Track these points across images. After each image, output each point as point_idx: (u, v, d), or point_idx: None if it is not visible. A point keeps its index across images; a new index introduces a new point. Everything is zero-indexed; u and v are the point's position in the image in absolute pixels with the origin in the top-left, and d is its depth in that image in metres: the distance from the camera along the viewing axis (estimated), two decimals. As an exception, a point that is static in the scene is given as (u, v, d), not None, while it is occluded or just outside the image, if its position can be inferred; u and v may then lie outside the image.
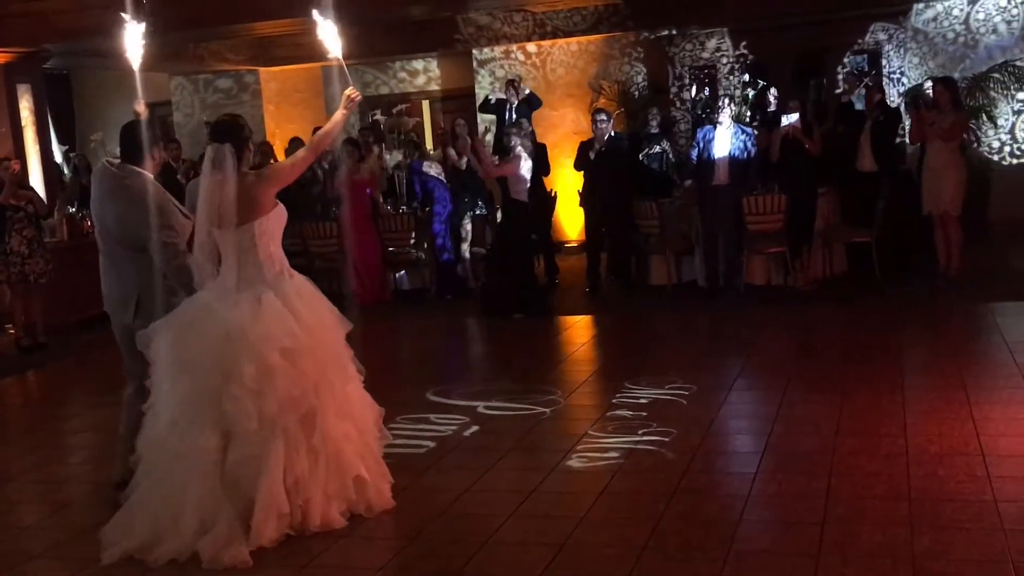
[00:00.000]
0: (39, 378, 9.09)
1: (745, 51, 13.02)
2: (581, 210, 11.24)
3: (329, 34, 5.13)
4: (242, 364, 4.51)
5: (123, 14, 5.76)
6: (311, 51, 14.55)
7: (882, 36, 12.90)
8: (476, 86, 14.37)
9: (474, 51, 14.33)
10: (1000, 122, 12.24)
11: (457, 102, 14.91)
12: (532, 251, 10.16)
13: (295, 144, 12.52)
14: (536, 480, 5.12)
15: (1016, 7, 12.26)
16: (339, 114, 5.13)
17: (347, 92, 5.08)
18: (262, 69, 15.18)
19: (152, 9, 10.67)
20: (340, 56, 5.10)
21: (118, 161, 5.22)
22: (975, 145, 11.89)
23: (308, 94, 15.36)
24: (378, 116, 14.57)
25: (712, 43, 13.41)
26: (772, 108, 10.80)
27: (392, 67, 15.45)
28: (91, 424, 7.09)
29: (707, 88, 13.19)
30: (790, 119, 9.56)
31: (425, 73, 15.42)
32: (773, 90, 11.12)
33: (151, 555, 4.47)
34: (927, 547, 4.00)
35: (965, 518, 4.26)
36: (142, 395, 4.85)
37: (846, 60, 13.11)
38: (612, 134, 10.54)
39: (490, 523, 4.63)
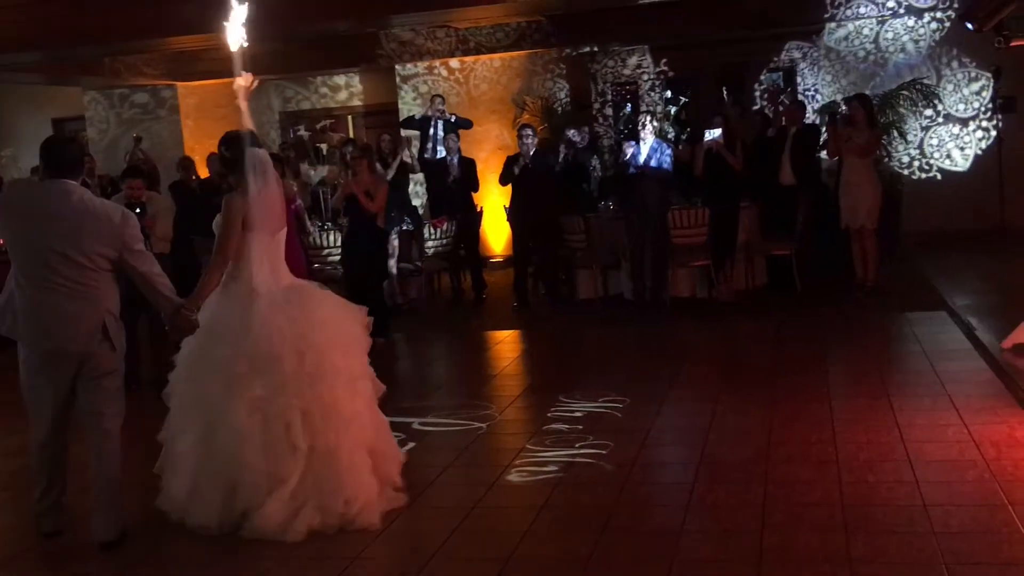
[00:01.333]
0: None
1: (665, 68, 13.27)
2: (507, 225, 11.30)
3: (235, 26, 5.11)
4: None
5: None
6: (230, 66, 14.45)
7: (797, 54, 13.28)
8: (399, 101, 14.36)
9: (397, 67, 14.33)
10: (909, 138, 12.67)
11: (380, 118, 14.87)
12: (380, 273, 9.74)
13: (214, 159, 12.36)
14: (477, 495, 5.13)
15: (923, 27, 12.73)
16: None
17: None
18: (180, 84, 14.93)
19: (64, 23, 10.53)
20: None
21: (47, 179, 4.80)
22: (886, 160, 12.29)
23: (229, 109, 15.05)
24: (301, 131, 14.45)
25: (633, 60, 13.64)
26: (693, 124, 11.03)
27: (314, 82, 15.34)
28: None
29: (629, 104, 13.39)
30: (713, 135, 9.75)
31: (347, 88, 15.35)
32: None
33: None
34: (862, 551, 4.12)
35: (897, 522, 4.39)
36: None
37: (763, 77, 13.46)
38: (535, 150, 10.63)
39: (433, 540, 4.61)
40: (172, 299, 4.84)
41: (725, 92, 13.25)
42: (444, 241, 11.08)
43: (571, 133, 11.55)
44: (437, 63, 14.22)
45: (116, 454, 4.85)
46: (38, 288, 4.65)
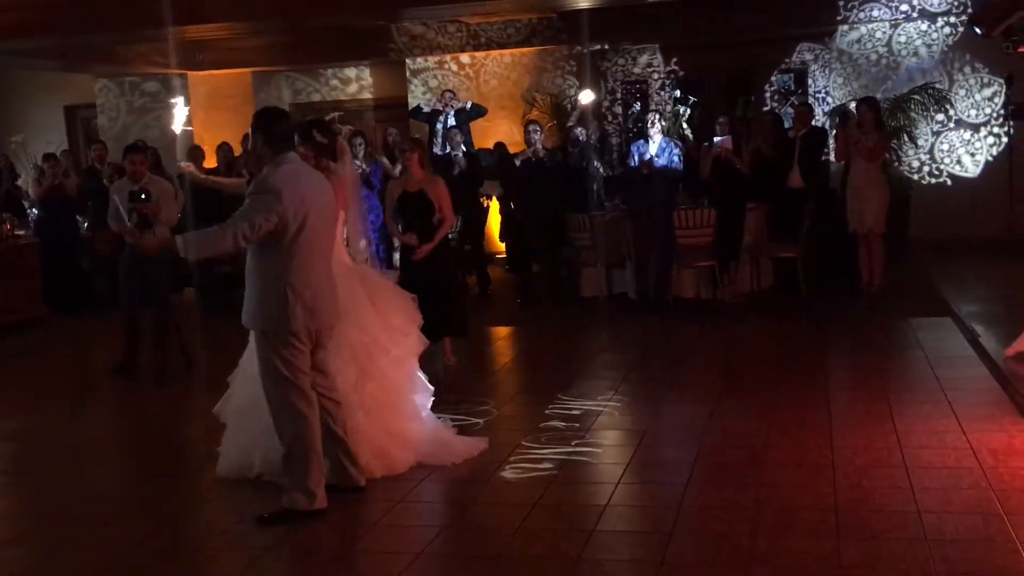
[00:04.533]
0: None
1: (676, 67, 13.23)
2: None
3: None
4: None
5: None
6: (242, 56, 14.48)
7: (808, 56, 13.22)
8: (409, 95, 14.35)
9: (407, 61, 14.31)
10: (920, 142, 12.61)
11: (389, 111, 14.87)
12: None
13: (224, 150, 12.38)
14: (470, 492, 5.12)
15: (936, 31, 12.66)
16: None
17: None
18: (191, 73, 14.94)
19: (76, 10, 10.56)
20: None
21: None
22: (896, 165, 12.24)
23: (238, 100, 15.15)
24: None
25: (644, 59, 13.60)
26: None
27: (324, 75, 15.35)
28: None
29: (639, 103, 13.35)
30: (721, 140, 9.74)
31: (358, 81, 15.35)
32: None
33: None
34: (854, 557, 4.09)
35: (890, 528, 4.36)
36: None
37: (773, 79, 13.40)
38: (542, 146, 10.62)
39: (424, 535, 4.61)
40: None
41: (736, 96, 13.21)
42: (449, 236, 11.04)
43: (579, 131, 11.52)
44: (447, 58, 14.21)
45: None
46: (325, 263, 4.92)
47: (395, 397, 5.51)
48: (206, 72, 14.86)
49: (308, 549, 4.59)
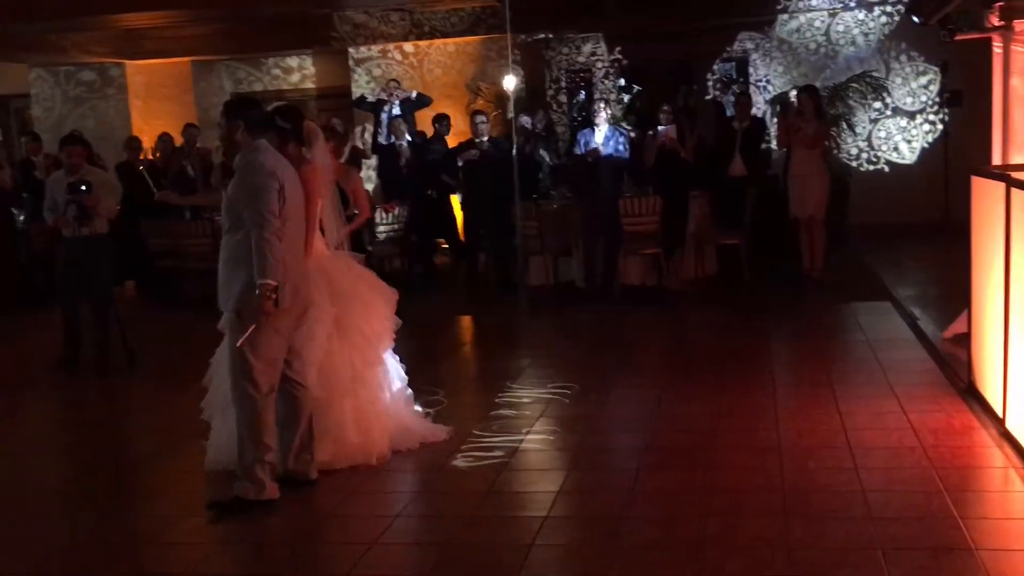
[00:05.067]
0: None
1: (620, 56, 13.29)
2: (460, 211, 11.28)
3: None
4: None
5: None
6: (181, 45, 14.25)
7: (749, 45, 13.37)
8: (352, 85, 14.24)
9: (350, 49, 14.20)
10: (858, 130, 12.83)
11: (332, 101, 14.75)
12: None
13: (163, 140, 12.19)
14: (422, 480, 5.12)
15: (872, 20, 12.88)
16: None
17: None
18: (128, 62, 14.67)
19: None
20: None
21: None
22: (835, 152, 12.43)
23: (177, 89, 14.92)
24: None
25: (588, 47, 13.63)
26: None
27: (266, 63, 15.18)
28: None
29: (583, 92, 13.40)
30: (665, 129, 9.82)
31: (300, 70, 15.21)
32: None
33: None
34: (801, 536, 4.17)
35: (836, 508, 4.46)
36: None
37: (715, 67, 13.53)
38: (488, 136, 10.61)
39: (377, 524, 4.60)
40: None
41: (679, 85, 13.30)
42: (395, 226, 11.02)
43: (524, 120, 11.53)
44: (391, 47, 14.12)
45: None
46: (294, 246, 4.86)
47: (373, 382, 5.51)
48: (144, 61, 14.60)
49: (261, 542, 4.56)
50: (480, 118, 10.60)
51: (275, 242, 4.59)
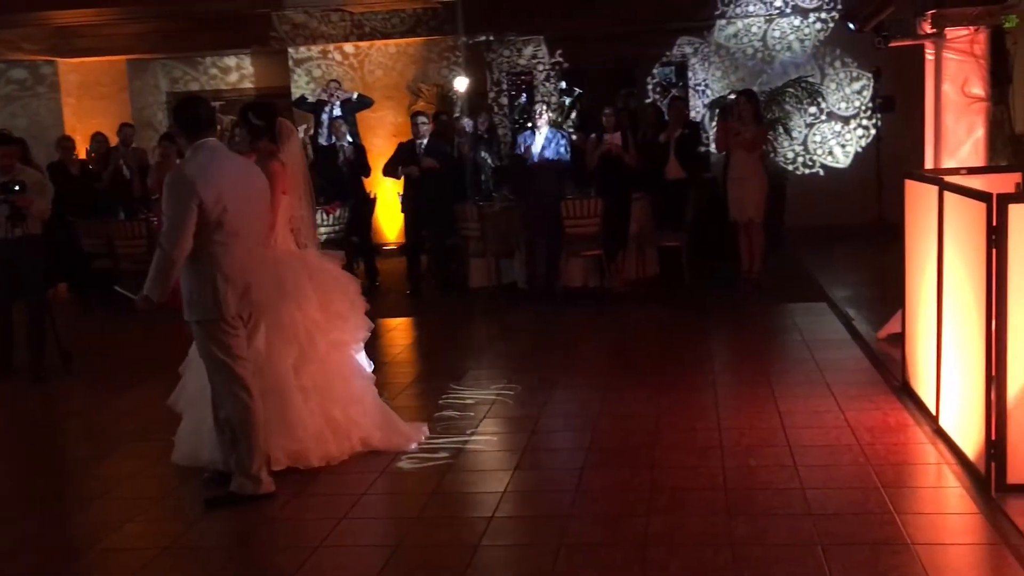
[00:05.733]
0: None
1: (561, 59, 13.36)
2: (401, 212, 11.24)
3: None
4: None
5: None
6: (116, 43, 14.00)
7: (688, 49, 13.52)
8: (292, 85, 14.11)
9: (290, 50, 14.08)
10: (794, 134, 13.05)
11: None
12: None
13: (98, 140, 11.97)
14: (367, 482, 5.10)
15: (808, 27, 13.11)
16: None
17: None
18: (61, 60, 14.37)
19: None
20: None
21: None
22: (772, 155, 12.63)
23: (112, 88, 14.65)
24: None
25: (529, 50, 13.68)
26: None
27: (203, 63, 14.97)
28: None
29: (525, 94, 13.45)
30: (611, 137, 9.89)
31: (238, 70, 15.03)
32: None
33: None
34: (744, 533, 4.24)
35: (776, 505, 4.54)
36: None
37: (655, 71, 13.68)
38: (428, 138, 10.60)
39: (322, 527, 4.57)
40: None
41: (619, 88, 13.42)
42: (336, 227, 10.95)
43: (465, 122, 11.54)
44: (331, 47, 14.02)
45: None
46: (256, 246, 4.90)
47: (335, 381, 5.45)
48: (78, 59, 14.31)
49: (202, 546, 4.51)
50: (421, 119, 10.58)
51: (167, 258, 4.64)
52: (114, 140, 12.00)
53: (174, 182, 4.72)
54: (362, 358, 5.71)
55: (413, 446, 5.53)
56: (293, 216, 5.48)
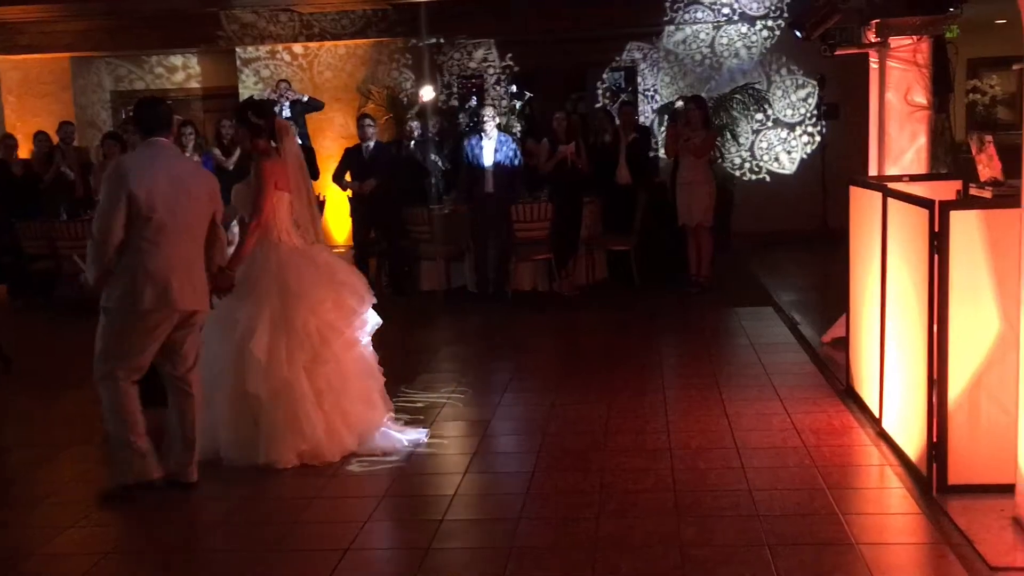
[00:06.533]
0: None
1: (511, 63, 13.39)
2: (350, 215, 11.18)
3: None
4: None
5: None
6: (60, 40, 13.75)
7: (637, 55, 13.63)
8: (240, 85, 13.97)
9: (237, 49, 13.93)
10: (741, 140, 13.21)
11: (219, 101, 14.43)
12: None
13: (40, 139, 11.74)
14: (317, 486, 5.07)
15: (755, 34, 13.29)
16: None
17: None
18: (2, 57, 14.08)
19: None
20: None
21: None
22: (719, 161, 12.78)
23: (55, 86, 14.39)
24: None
25: (479, 53, 13.69)
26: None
27: (148, 62, 14.76)
28: None
29: (475, 97, 13.45)
30: (565, 148, 9.93)
31: (185, 70, 14.84)
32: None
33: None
34: (693, 535, 4.28)
35: (725, 506, 4.59)
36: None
37: (605, 76, 13.76)
38: (376, 141, 10.57)
39: (271, 531, 4.53)
40: (224, 259, 5.20)
41: (570, 92, 13.49)
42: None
43: (415, 124, 11.50)
44: (280, 47, 13.91)
45: None
46: (188, 247, 4.86)
47: (350, 379, 5.48)
48: (19, 56, 14.03)
49: (143, 550, 4.44)
50: (367, 121, 10.53)
51: (95, 243, 4.74)
52: (56, 139, 11.79)
53: (110, 172, 4.84)
54: (371, 357, 5.73)
55: (404, 446, 5.54)
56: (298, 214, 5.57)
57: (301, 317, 5.34)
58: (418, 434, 5.74)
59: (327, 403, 5.38)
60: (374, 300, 5.76)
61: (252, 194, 5.42)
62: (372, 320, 5.72)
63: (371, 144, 10.45)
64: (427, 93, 11.87)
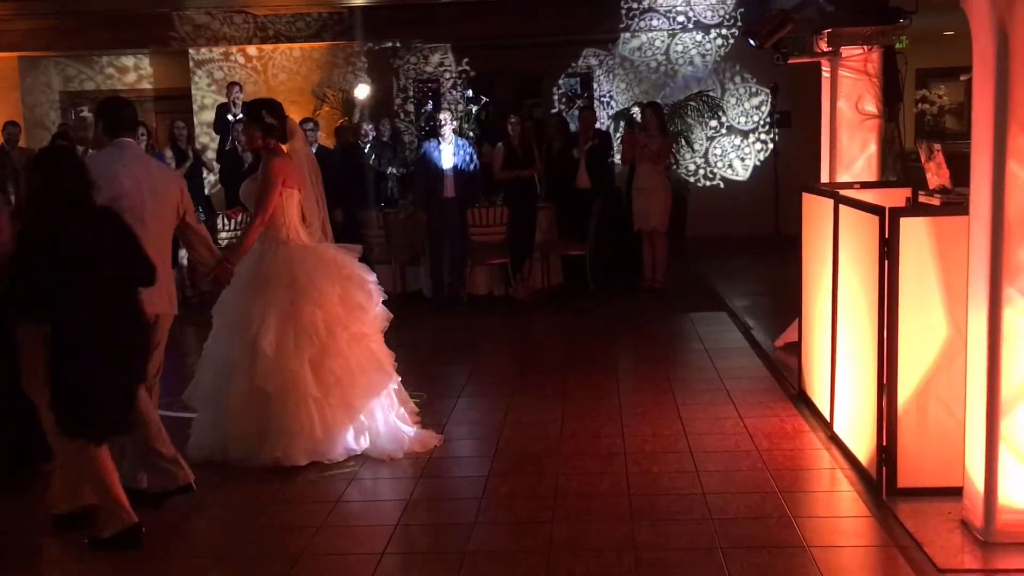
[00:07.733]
0: None
1: (467, 67, 13.40)
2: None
3: None
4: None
5: None
6: (7, 39, 13.50)
7: (593, 61, 13.71)
8: (193, 87, 13.83)
9: (191, 51, 13.79)
10: (696, 147, 13.33)
11: (172, 103, 14.27)
12: None
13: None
14: (271, 491, 5.02)
15: (709, 42, 13.42)
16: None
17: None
18: (-51, 55, 13.82)
19: None
20: None
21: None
22: (674, 167, 12.88)
23: (3, 85, 14.13)
24: (84, 112, 13.66)
25: (436, 58, 13.68)
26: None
27: (99, 62, 14.56)
28: None
29: (431, 101, 13.44)
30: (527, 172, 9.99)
31: (136, 71, 14.66)
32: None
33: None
34: (647, 538, 4.30)
35: (679, 510, 4.62)
36: None
37: (561, 82, 13.82)
38: (319, 145, 10.51)
39: (225, 536, 4.49)
40: (214, 252, 5.23)
41: (526, 97, 13.53)
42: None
43: (368, 128, 11.45)
44: (234, 49, 13.79)
45: None
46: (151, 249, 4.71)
47: (357, 374, 5.45)
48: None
49: (90, 557, 4.36)
50: (308, 125, 10.44)
51: None
52: (1, 139, 11.58)
53: None
54: (381, 352, 5.68)
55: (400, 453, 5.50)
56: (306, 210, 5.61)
57: (308, 310, 5.36)
58: (431, 437, 5.71)
59: (334, 397, 5.37)
60: (384, 296, 5.76)
61: (258, 190, 5.46)
62: (384, 316, 5.71)
63: (314, 148, 10.36)
64: (361, 91, 11.79)
